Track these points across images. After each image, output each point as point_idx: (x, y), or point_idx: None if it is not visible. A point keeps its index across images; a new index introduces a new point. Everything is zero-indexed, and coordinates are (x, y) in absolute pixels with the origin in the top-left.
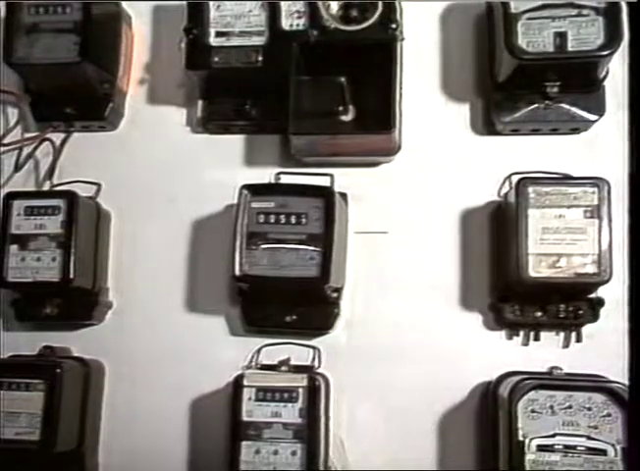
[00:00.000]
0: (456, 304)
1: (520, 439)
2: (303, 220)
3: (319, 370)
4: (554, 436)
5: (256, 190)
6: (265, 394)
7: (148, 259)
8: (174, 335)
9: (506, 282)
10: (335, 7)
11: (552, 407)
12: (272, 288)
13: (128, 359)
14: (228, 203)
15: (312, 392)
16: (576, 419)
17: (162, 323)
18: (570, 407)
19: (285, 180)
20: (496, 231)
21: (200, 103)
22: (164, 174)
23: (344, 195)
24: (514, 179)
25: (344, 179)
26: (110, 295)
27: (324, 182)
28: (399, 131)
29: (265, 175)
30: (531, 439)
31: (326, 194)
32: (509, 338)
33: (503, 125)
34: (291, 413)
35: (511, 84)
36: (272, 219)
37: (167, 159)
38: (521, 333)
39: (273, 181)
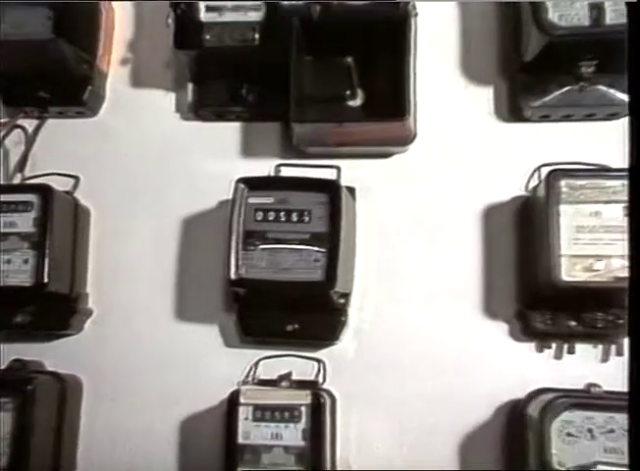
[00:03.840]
0: (479, 312)
1: (556, 467)
2: (306, 217)
3: (324, 386)
4: (594, 464)
5: (254, 184)
6: (264, 414)
7: (133, 262)
8: (161, 346)
9: (536, 287)
10: None
11: (590, 431)
12: (271, 294)
13: (109, 374)
14: (222, 199)
15: (316, 410)
16: (620, 445)
17: (148, 333)
18: (612, 431)
19: (286, 172)
20: (523, 229)
21: (191, 87)
22: (150, 166)
23: (351, 190)
24: (544, 171)
25: (351, 171)
26: (89, 302)
27: (329, 175)
28: (413, 118)
29: (264, 167)
30: (568, 468)
31: (332, 189)
32: (540, 350)
33: (531, 110)
34: (293, 435)
35: (541, 64)
36: (271, 216)
37: (153, 149)
38: (553, 345)
39: (272, 173)
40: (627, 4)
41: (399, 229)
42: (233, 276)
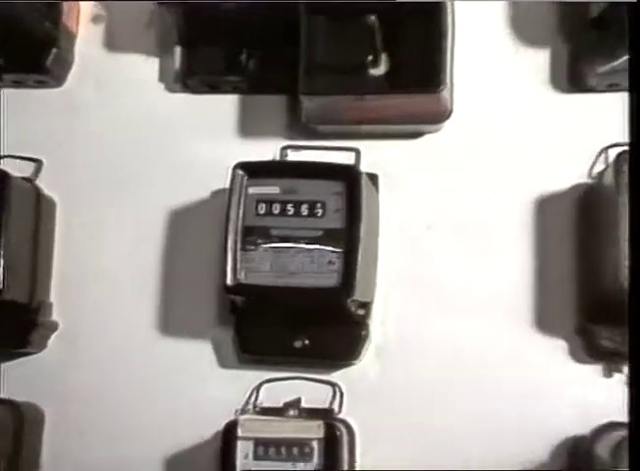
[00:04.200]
0: (530, 327)
1: None
2: (319, 211)
3: (340, 415)
4: None
5: (255, 171)
6: (267, 450)
7: (108, 264)
8: (142, 367)
9: (601, 295)
10: None
11: None
12: (276, 303)
13: (78, 402)
14: (217, 188)
15: (331, 445)
16: None
17: (126, 351)
18: None
19: (294, 157)
20: (585, 225)
21: (178, 51)
22: (128, 148)
23: (373, 177)
24: (612, 153)
25: (373, 155)
26: (54, 314)
27: (347, 159)
28: (449, 90)
29: (267, 150)
30: None
31: (349, 176)
32: (608, 374)
33: (596, 78)
34: None
35: (609, 22)
36: (276, 209)
37: (132, 127)
38: (624, 367)
39: (277, 158)
40: (627, 4)
41: (430, 225)
42: (229, 281)
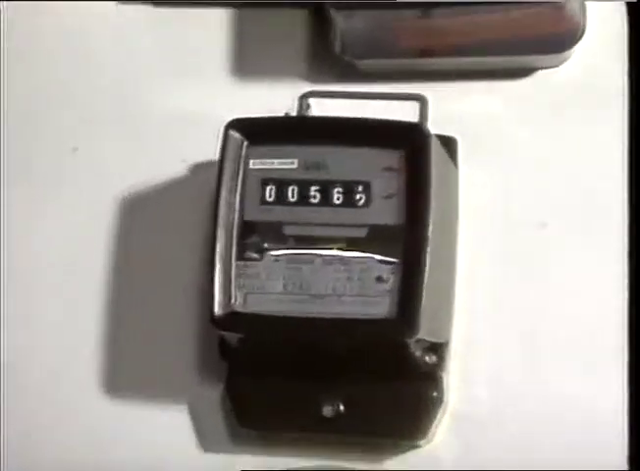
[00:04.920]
0: None
1: None
2: (361, 197)
3: None
4: None
5: (260, 133)
6: None
7: (38, 274)
8: (89, 445)
9: None
10: None
11: None
12: (293, 344)
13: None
14: (199, 161)
15: None
16: None
17: (66, 417)
18: None
19: (320, 111)
20: None
21: None
22: (68, 95)
23: (450, 144)
24: None
25: (449, 107)
26: None
27: (405, 114)
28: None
29: (278, 98)
30: None
31: (411, 142)
32: None
33: None
34: None
35: None
36: (293, 195)
37: (72, 61)
38: None
39: (295, 112)
40: (627, 4)
41: (543, 220)
42: (218, 310)
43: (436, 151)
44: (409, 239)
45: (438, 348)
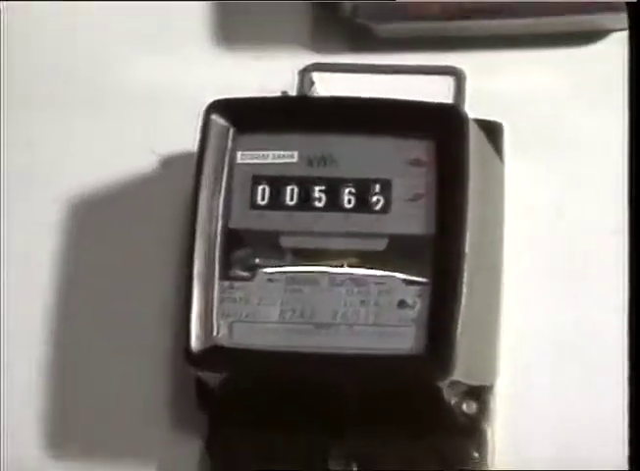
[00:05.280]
0: None
1: None
2: (379, 199)
3: None
4: None
5: (250, 117)
6: None
7: None
8: None
9: None
10: None
11: None
12: (291, 388)
13: None
14: (176, 152)
15: None
16: None
17: None
18: None
19: (326, 88)
20: None
21: None
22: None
23: (493, 129)
24: None
25: (492, 84)
26: None
27: (435, 92)
28: None
29: (274, 72)
30: None
31: (444, 128)
32: None
33: None
34: None
35: None
36: (292, 197)
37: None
38: None
39: (294, 90)
40: (627, 4)
41: (614, 224)
42: (196, 343)
43: (475, 140)
44: (441, 254)
45: (479, 394)
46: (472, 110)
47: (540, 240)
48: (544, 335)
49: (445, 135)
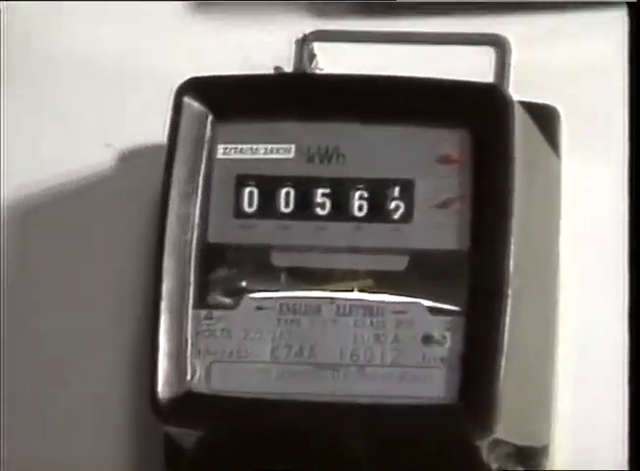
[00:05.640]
0: None
1: None
2: (397, 205)
3: None
4: None
5: (234, 102)
6: None
7: None
8: None
9: None
10: None
11: None
12: (286, 444)
13: None
14: (139, 145)
15: None
16: None
17: None
18: None
19: (330, 60)
20: None
21: None
22: None
23: (547, 116)
24: None
25: (545, 56)
26: None
27: (471, 69)
28: None
29: (265, 42)
30: None
31: (482, 114)
32: None
33: None
34: None
35: None
36: (286, 202)
37: None
38: None
39: (290, 65)
40: (627, 4)
41: None
42: (164, 390)
43: (523, 130)
44: (478, 275)
45: (530, 457)
46: (518, 91)
47: (607, 256)
48: (610, 381)
49: (483, 124)
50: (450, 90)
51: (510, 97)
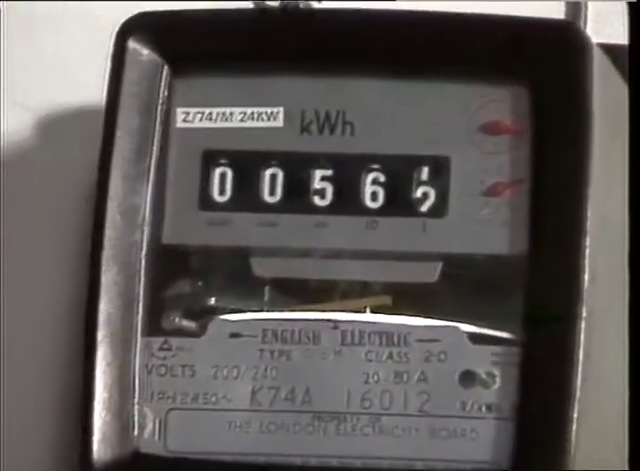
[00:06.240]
0: None
1: None
2: (426, 192)
3: None
4: None
5: (198, 48)
6: None
7: None
8: None
9: None
10: None
11: None
12: None
13: None
14: (65, 106)
15: None
16: None
17: None
18: None
19: None
20: None
21: None
22: None
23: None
24: None
25: None
26: None
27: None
28: None
29: None
30: None
31: (547, 61)
32: None
33: None
34: None
35: None
36: (272, 188)
37: None
38: None
39: None
40: (628, 4)
41: None
42: (100, 453)
43: (606, 85)
44: (540, 290)
45: None
46: (596, 32)
47: None
48: None
49: (549, 76)
50: (501, 29)
51: (588, 37)
